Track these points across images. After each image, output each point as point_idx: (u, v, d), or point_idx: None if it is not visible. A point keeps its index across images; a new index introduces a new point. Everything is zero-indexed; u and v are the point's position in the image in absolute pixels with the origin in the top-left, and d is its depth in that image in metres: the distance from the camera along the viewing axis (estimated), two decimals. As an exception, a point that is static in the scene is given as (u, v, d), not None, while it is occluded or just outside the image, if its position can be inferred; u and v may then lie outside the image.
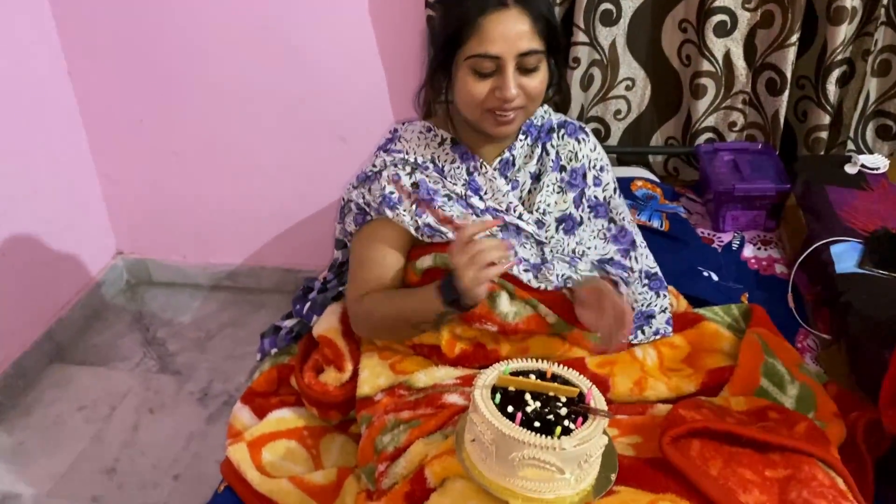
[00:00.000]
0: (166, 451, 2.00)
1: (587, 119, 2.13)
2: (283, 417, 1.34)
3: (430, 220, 1.29)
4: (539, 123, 1.40)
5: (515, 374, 1.01)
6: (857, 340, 1.38)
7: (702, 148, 2.04)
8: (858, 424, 1.20)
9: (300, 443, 1.31)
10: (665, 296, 1.42)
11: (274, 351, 1.49)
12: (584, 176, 1.40)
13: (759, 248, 1.84)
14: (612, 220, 1.41)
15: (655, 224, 1.83)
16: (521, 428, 0.91)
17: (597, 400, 0.98)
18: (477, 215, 1.32)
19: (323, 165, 2.34)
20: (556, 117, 1.42)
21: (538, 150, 1.38)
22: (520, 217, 1.34)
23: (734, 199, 1.87)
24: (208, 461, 1.96)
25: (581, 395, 0.98)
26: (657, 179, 2.05)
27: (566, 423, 0.94)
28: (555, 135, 1.40)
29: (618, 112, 2.13)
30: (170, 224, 2.56)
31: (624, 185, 1.98)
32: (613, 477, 0.99)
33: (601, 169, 1.42)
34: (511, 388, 0.98)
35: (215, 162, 2.39)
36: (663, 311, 1.37)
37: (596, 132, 2.15)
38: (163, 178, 2.45)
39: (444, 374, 1.27)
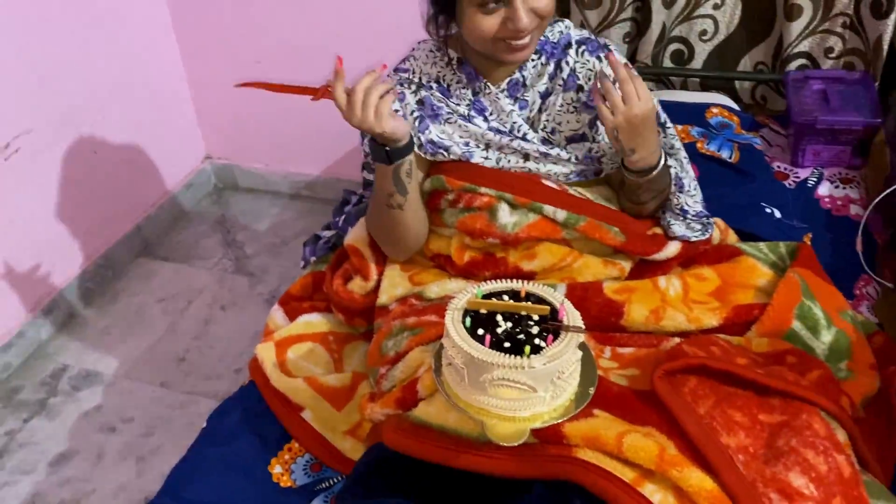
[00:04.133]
0: (232, 347, 2.12)
1: (669, 39, 2.01)
2: (312, 321, 1.39)
3: (434, 135, 1.29)
4: (555, 40, 1.32)
5: (488, 296, 1.00)
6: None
7: (791, 75, 1.89)
8: (895, 379, 1.12)
9: (324, 346, 1.35)
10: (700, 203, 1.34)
11: (313, 259, 1.54)
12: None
13: (836, 187, 1.70)
14: None
15: (724, 154, 1.73)
16: (489, 349, 0.91)
17: (570, 315, 0.96)
18: (478, 138, 1.30)
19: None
20: (576, 34, 1.34)
21: (550, 68, 1.32)
22: (524, 137, 1.30)
23: (816, 132, 1.73)
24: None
25: (553, 312, 0.96)
26: (736, 107, 1.92)
27: (537, 341, 0.93)
28: (572, 51, 1.32)
29: (703, 33, 1.99)
30: (254, 132, 2.63)
31: (698, 112, 1.87)
32: (592, 390, 0.98)
33: None
34: (483, 311, 0.97)
35: (298, 71, 2.42)
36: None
37: (678, 54, 2.03)
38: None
39: (456, 287, 1.28)
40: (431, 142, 1.29)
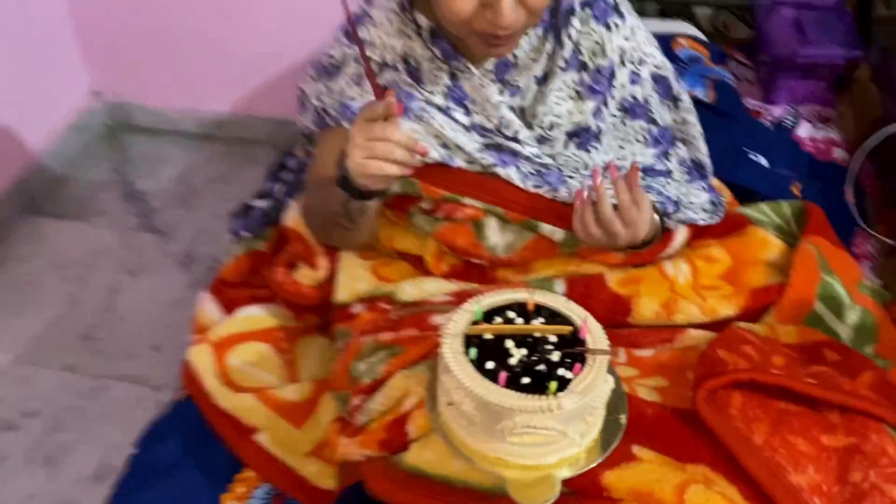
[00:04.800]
0: (146, 319, 1.87)
1: (626, -40, 1.80)
2: (255, 316, 1.17)
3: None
4: (553, 5, 1.06)
5: (490, 313, 0.81)
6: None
7: (760, 1, 1.73)
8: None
9: (274, 346, 1.14)
10: (703, 188, 1.18)
11: (246, 235, 1.30)
12: (612, 76, 1.08)
13: (816, 128, 1.58)
14: (652, 121, 1.13)
15: (699, 93, 1.57)
16: (507, 391, 0.73)
17: (593, 334, 0.80)
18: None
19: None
20: None
21: (549, 45, 1.06)
22: (515, 138, 1.05)
23: (794, 66, 1.59)
24: (191, 333, 1.83)
25: (575, 332, 0.79)
26: (703, 37, 1.75)
27: (561, 371, 0.76)
28: (575, 19, 1.06)
29: (664, -48, 1.80)
30: (151, 64, 2.29)
31: (663, 44, 1.66)
32: (624, 419, 0.83)
33: (640, 62, 1.11)
34: (488, 336, 0.79)
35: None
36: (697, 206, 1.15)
37: (635, -24, 1.83)
38: (140, 11, 2.16)
39: (436, 289, 1.08)
40: None
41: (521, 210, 1.04)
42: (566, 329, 0.79)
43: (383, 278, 1.12)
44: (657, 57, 1.13)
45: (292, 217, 1.19)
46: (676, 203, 1.10)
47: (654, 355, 0.97)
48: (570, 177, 1.06)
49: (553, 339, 0.79)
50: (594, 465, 0.77)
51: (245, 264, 1.27)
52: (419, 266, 1.13)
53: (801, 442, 0.82)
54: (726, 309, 1.05)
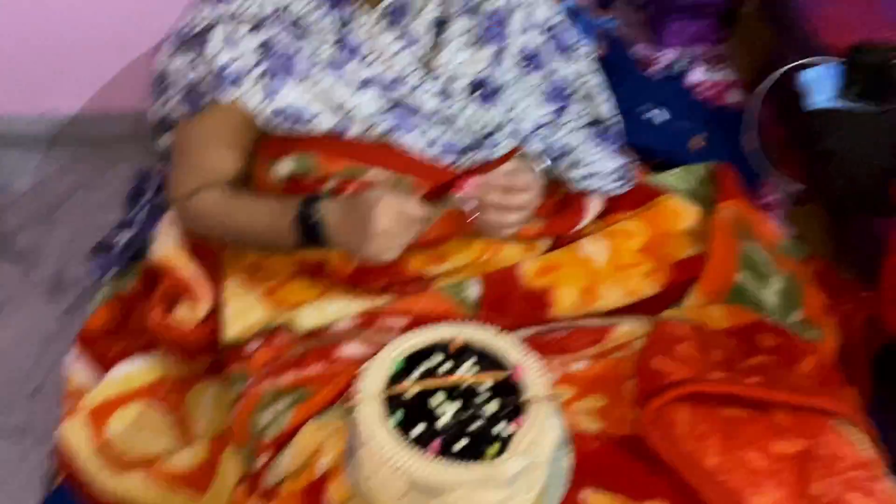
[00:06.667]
0: (16, 363, 1.66)
1: None
2: (131, 373, 1.02)
3: (291, 99, 0.91)
4: None
5: (411, 360, 0.71)
6: (842, 202, 1.13)
7: (637, -62, 1.64)
8: (855, 321, 0.98)
9: (159, 404, 1.00)
10: (612, 153, 1.10)
11: (110, 276, 1.13)
12: (504, 22, 1.00)
13: (711, 70, 1.52)
14: (549, 74, 1.05)
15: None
16: (440, 464, 0.63)
17: (530, 376, 0.71)
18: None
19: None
20: None
21: None
22: (416, 89, 0.96)
23: (678, 6, 1.52)
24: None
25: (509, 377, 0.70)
26: (586, -18, 1.65)
27: (500, 427, 0.66)
28: None
29: None
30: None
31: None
32: (566, 460, 0.75)
33: (529, 5, 1.03)
34: (408, 392, 0.68)
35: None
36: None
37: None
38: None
39: (339, 311, 0.96)
40: (282, 112, 0.92)
41: (431, 180, 0.95)
42: (500, 375, 0.69)
43: (281, 302, 0.99)
44: (548, 5, 1.06)
45: (163, 251, 1.03)
46: (562, 149, 1.04)
47: (588, 368, 0.89)
48: (469, 148, 0.99)
49: (486, 385, 0.69)
50: (544, 522, 0.69)
51: (114, 310, 1.11)
52: (320, 274, 1.01)
53: (755, 456, 0.76)
54: (649, 287, 1.00)
